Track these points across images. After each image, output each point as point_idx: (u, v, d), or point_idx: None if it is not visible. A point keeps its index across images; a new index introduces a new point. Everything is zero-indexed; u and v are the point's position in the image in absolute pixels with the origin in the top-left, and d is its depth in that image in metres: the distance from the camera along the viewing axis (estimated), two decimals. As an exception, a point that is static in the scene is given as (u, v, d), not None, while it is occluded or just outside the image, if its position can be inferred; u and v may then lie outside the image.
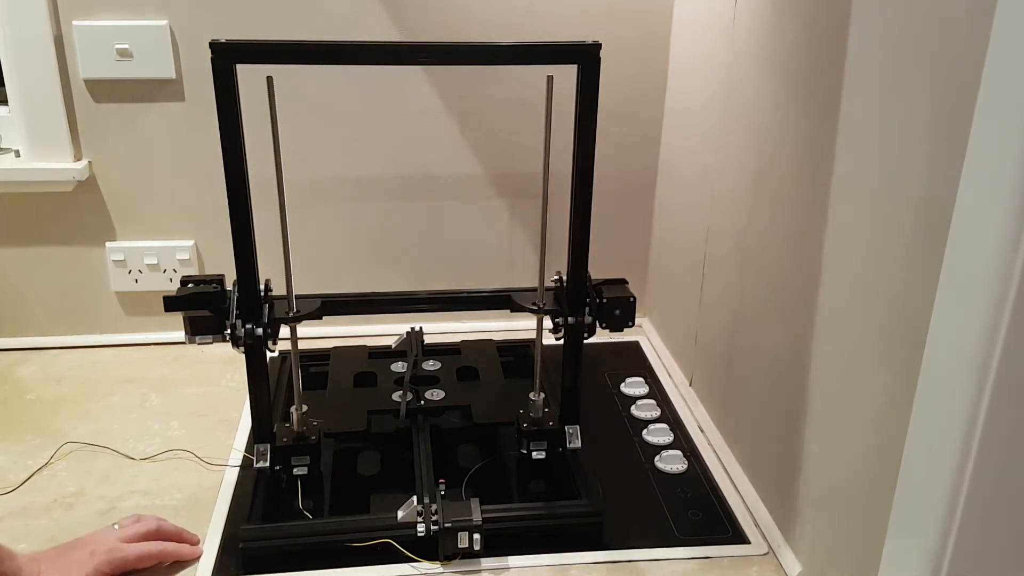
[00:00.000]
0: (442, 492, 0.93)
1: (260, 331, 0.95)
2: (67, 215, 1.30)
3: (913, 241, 0.70)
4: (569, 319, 0.99)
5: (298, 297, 0.99)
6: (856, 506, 0.81)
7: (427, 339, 1.17)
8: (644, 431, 1.15)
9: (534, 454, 1.04)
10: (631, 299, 0.99)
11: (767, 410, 1.01)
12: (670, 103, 1.33)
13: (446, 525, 0.90)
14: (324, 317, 1.01)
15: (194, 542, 0.94)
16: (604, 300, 0.98)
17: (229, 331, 0.94)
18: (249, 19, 1.22)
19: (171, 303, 0.93)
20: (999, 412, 0.59)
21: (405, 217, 1.36)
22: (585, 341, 1.01)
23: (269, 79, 0.87)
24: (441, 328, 1.36)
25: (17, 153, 1.27)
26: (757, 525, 0.99)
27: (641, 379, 1.28)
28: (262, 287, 0.96)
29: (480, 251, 1.39)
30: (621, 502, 1.01)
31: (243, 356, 0.96)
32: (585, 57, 0.90)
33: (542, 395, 1.06)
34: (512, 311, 1.04)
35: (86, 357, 1.32)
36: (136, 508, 0.99)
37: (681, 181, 1.30)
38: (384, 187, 1.34)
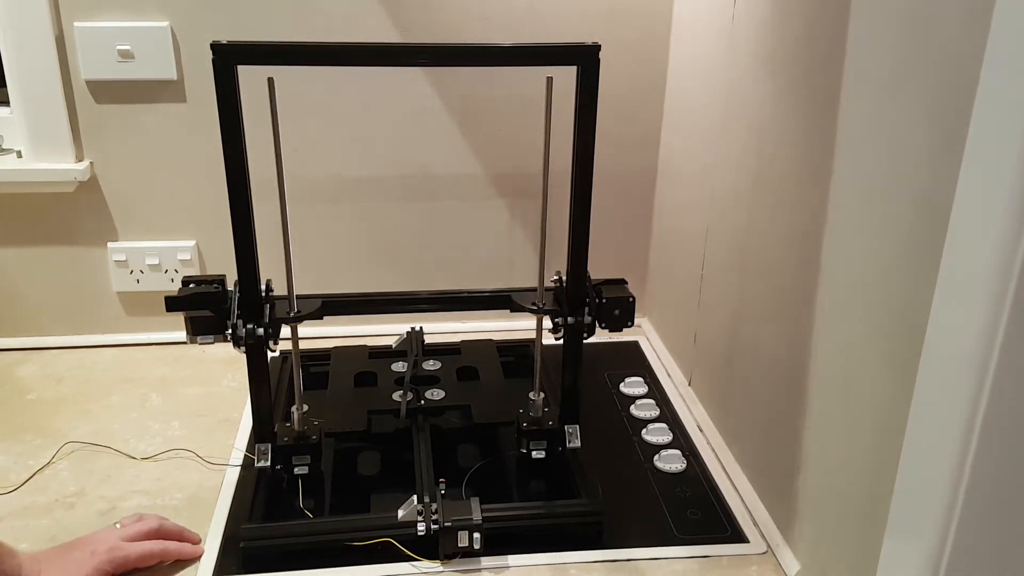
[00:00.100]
0: (442, 491, 0.94)
1: (261, 331, 0.95)
2: (68, 216, 1.30)
3: (912, 241, 0.70)
4: (569, 319, 1.00)
5: (299, 297, 0.99)
6: (855, 505, 0.81)
7: (427, 339, 1.17)
8: (643, 431, 1.16)
9: (534, 454, 1.05)
10: (630, 299, 0.99)
11: (766, 410, 1.01)
12: (670, 103, 1.33)
13: (446, 524, 0.90)
14: (325, 317, 1.02)
15: (195, 541, 0.94)
16: (603, 300, 0.99)
17: (230, 331, 0.94)
18: (250, 20, 1.23)
19: (172, 303, 0.94)
20: (998, 411, 0.59)
21: (405, 217, 1.36)
22: (585, 341, 1.01)
23: (270, 80, 0.87)
24: (441, 328, 1.36)
25: (19, 154, 1.27)
26: (756, 524, 0.99)
27: (640, 379, 1.28)
28: (263, 287, 0.96)
29: (480, 251, 1.39)
30: (620, 501, 1.02)
31: (244, 356, 0.96)
32: (585, 58, 0.90)
33: (542, 395, 1.07)
34: (512, 311, 1.05)
35: (87, 357, 1.33)
36: (137, 508, 0.99)
37: (681, 181, 1.30)
38: (384, 187, 1.34)
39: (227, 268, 0.96)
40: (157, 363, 1.31)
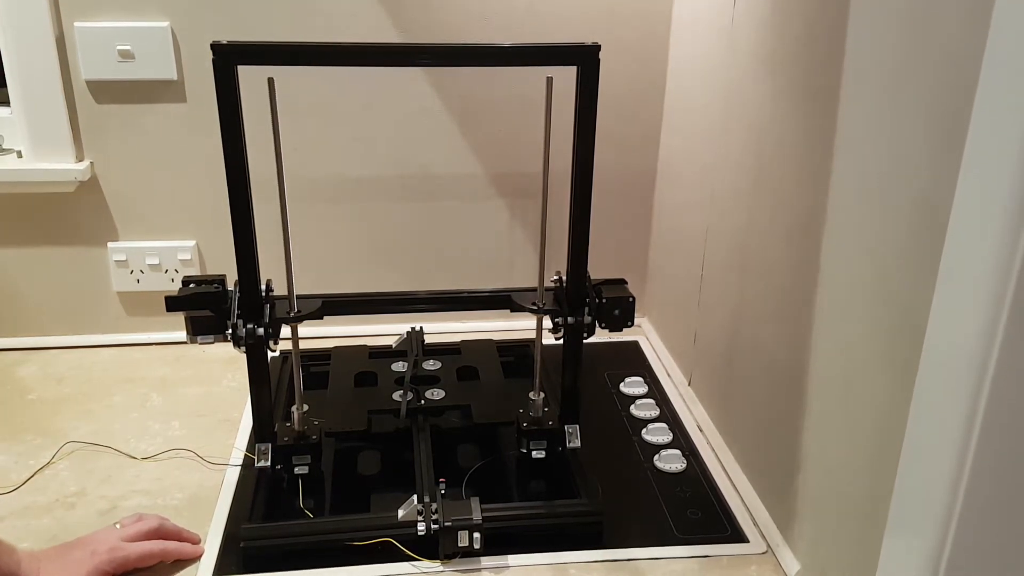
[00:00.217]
0: (442, 491, 0.94)
1: (261, 331, 0.95)
2: (69, 216, 1.30)
3: (912, 240, 0.70)
4: (569, 319, 1.00)
5: (299, 297, 0.99)
6: (855, 505, 0.81)
7: (427, 339, 1.17)
8: (643, 430, 1.16)
9: (534, 453, 1.05)
10: (630, 299, 0.99)
11: (766, 409, 1.01)
12: (670, 103, 1.33)
13: (446, 524, 0.90)
14: (325, 317, 1.02)
15: (195, 541, 0.94)
16: (603, 300, 0.99)
17: (230, 331, 0.94)
18: (250, 20, 1.23)
19: (173, 303, 0.94)
20: (997, 411, 0.59)
21: (405, 217, 1.36)
22: (585, 341, 1.01)
23: (270, 80, 0.87)
24: (441, 328, 1.36)
25: (19, 154, 1.27)
26: (756, 524, 0.99)
27: (640, 379, 1.28)
28: (263, 287, 0.96)
29: (480, 251, 1.39)
30: (620, 501, 1.02)
31: (244, 356, 0.96)
32: (585, 58, 0.90)
33: (542, 395, 1.07)
34: (512, 311, 1.05)
35: (87, 357, 1.33)
36: (138, 507, 0.99)
37: (681, 181, 1.30)
38: (384, 187, 1.34)
39: (227, 268, 0.96)
40: (157, 363, 1.31)
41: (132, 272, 1.34)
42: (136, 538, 0.90)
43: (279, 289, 0.99)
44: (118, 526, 0.91)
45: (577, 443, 1.05)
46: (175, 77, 1.24)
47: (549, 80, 0.91)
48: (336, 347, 1.29)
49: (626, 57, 1.31)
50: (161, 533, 0.92)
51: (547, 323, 1.03)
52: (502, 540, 0.93)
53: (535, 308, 1.02)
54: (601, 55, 0.90)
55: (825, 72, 0.83)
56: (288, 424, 1.03)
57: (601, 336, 1.02)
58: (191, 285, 0.95)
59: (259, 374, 0.98)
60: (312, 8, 1.23)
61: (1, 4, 1.18)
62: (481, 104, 1.31)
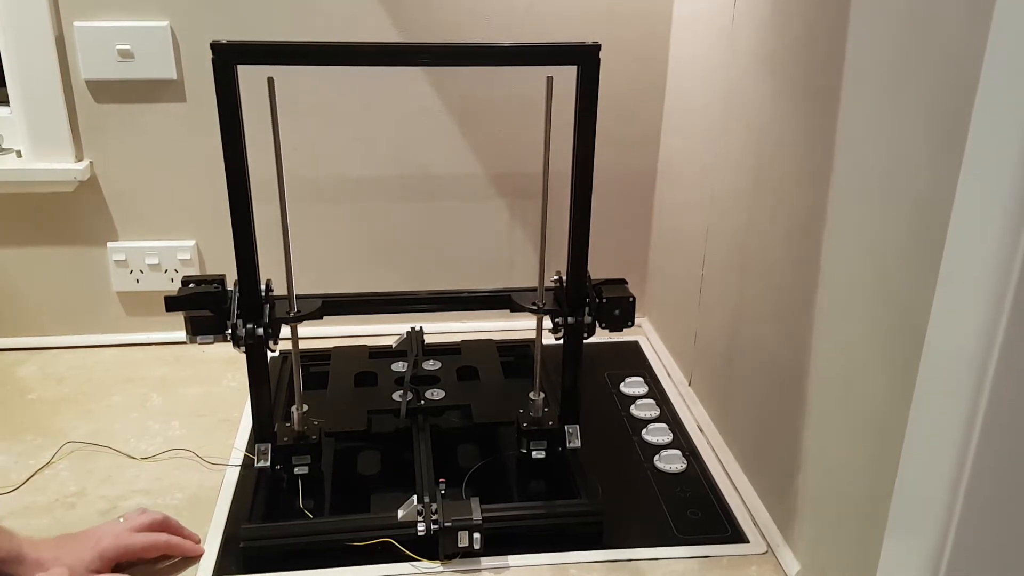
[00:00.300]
0: (442, 491, 0.94)
1: (261, 331, 0.95)
2: (68, 215, 1.30)
3: (912, 240, 0.70)
4: (569, 319, 1.00)
5: (299, 297, 0.99)
6: (855, 505, 0.81)
7: (427, 339, 1.17)
8: (643, 431, 1.16)
9: (534, 454, 1.05)
10: (630, 299, 0.99)
11: (766, 409, 1.01)
12: (670, 103, 1.33)
13: (446, 524, 0.90)
14: (324, 317, 1.02)
15: (195, 541, 0.94)
16: (604, 300, 0.99)
17: (230, 331, 0.94)
18: (250, 19, 1.23)
19: (172, 303, 0.94)
20: (997, 411, 0.59)
21: (405, 217, 1.36)
22: (585, 341, 1.01)
23: (270, 80, 0.87)
24: (441, 328, 1.36)
25: (19, 153, 1.27)
26: (756, 524, 0.99)
27: (640, 379, 1.28)
28: (263, 287, 0.96)
29: (480, 251, 1.39)
30: (621, 501, 1.02)
31: (244, 356, 0.96)
32: (585, 58, 0.90)
33: (542, 395, 1.07)
34: (512, 311, 1.05)
35: (87, 357, 1.33)
36: (138, 507, 0.99)
37: (681, 181, 1.30)
38: (384, 187, 1.34)
39: (227, 268, 0.96)
40: (157, 363, 1.31)
41: (132, 272, 1.34)
42: (141, 529, 0.90)
43: (279, 289, 0.99)
44: (122, 519, 0.92)
45: (577, 443, 1.05)
46: (175, 77, 1.24)
47: (549, 80, 0.91)
48: (336, 347, 1.29)
49: (626, 57, 1.31)
50: (165, 526, 0.92)
51: (547, 323, 1.03)
52: (502, 540, 0.93)
53: (535, 308, 1.02)
54: (601, 55, 0.90)
55: (825, 72, 0.83)
56: (288, 424, 1.03)
57: (601, 336, 1.02)
58: (191, 285, 0.95)
59: (259, 374, 0.98)
60: (312, 8, 1.23)
61: (1, 4, 1.18)
62: (481, 104, 1.31)
